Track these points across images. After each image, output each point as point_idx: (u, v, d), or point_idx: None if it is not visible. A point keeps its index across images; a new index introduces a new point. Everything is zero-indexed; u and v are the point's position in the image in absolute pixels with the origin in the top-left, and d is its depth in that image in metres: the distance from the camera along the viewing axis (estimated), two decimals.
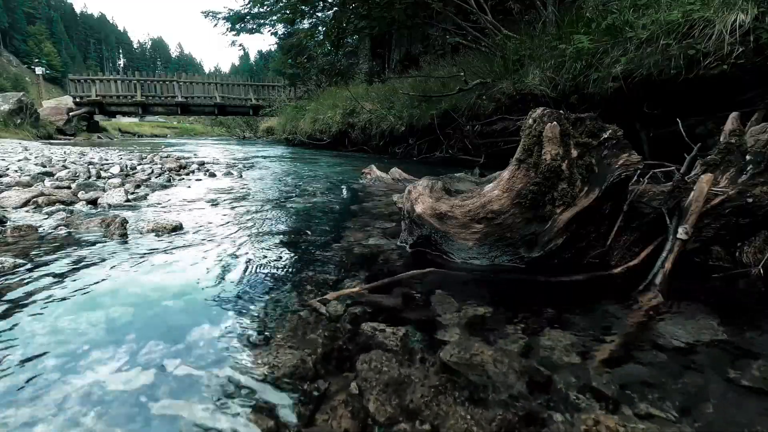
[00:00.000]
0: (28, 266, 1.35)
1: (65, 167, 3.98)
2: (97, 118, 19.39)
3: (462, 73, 5.62)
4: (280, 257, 1.56)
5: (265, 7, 14.68)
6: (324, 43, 15.97)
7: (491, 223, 1.41)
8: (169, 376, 0.80)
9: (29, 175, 3.31)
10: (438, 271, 1.38)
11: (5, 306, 1.07)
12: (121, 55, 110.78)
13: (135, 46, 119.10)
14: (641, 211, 1.42)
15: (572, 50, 4.04)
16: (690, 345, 0.94)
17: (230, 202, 2.70)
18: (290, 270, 1.43)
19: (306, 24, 15.87)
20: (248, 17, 15.74)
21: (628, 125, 2.64)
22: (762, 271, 1.35)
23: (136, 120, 29.53)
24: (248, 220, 2.17)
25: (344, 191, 3.39)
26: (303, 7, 13.12)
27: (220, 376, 0.80)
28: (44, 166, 4.00)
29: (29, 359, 0.84)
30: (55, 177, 3.36)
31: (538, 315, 1.08)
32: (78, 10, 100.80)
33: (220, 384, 0.77)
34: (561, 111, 1.33)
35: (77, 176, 3.40)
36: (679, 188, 1.37)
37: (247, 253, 1.57)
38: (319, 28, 15.69)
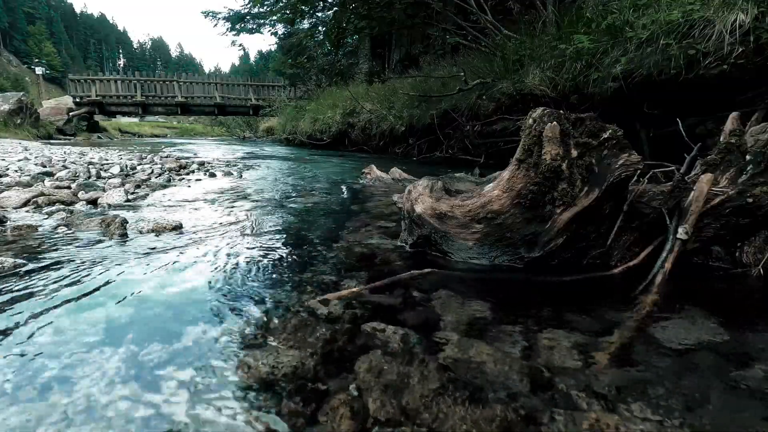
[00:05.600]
0: (28, 266, 1.35)
1: (65, 167, 3.98)
2: (97, 118, 19.38)
3: (462, 73, 5.62)
4: (280, 257, 1.56)
5: (265, 7, 14.70)
6: (324, 43, 16.00)
7: (491, 223, 1.41)
8: (169, 376, 0.80)
9: (29, 175, 3.31)
10: (438, 271, 1.38)
11: (5, 306, 1.07)
12: (121, 55, 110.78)
13: (135, 46, 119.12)
14: (641, 211, 1.42)
15: (572, 50, 4.04)
16: (690, 345, 0.94)
17: (230, 202, 2.70)
18: (290, 270, 1.43)
19: (306, 24, 15.89)
20: (248, 17, 15.77)
21: (628, 125, 2.64)
22: (762, 271, 1.35)
23: (136, 120, 29.51)
24: (248, 220, 2.17)
25: (344, 191, 3.39)
26: (303, 7, 13.13)
27: (221, 376, 0.80)
28: (44, 166, 4.00)
29: (29, 359, 0.84)
30: (55, 177, 3.36)
31: (538, 315, 1.08)
32: (78, 10, 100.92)
33: (221, 384, 0.77)
34: (561, 111, 1.32)
35: (77, 176, 3.40)
36: (679, 188, 1.37)
37: (246, 253, 1.57)
38: (319, 28, 15.72)
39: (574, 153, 1.30)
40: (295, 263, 1.50)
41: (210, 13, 16.20)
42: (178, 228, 1.87)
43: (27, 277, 1.26)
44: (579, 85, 4.02)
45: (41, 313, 1.03)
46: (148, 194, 2.91)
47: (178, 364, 0.83)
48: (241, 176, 4.34)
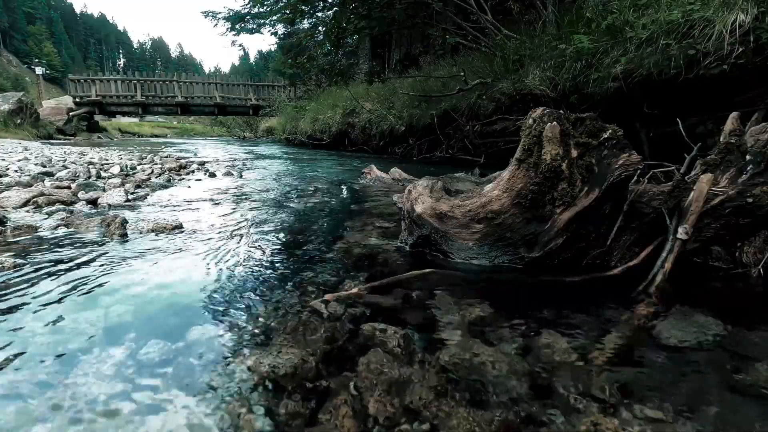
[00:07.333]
0: (28, 266, 1.35)
1: (65, 167, 3.98)
2: (97, 118, 19.35)
3: (462, 73, 5.61)
4: (280, 257, 1.56)
5: (265, 7, 14.68)
6: (324, 43, 15.97)
7: (491, 223, 1.41)
8: (169, 375, 0.80)
9: (29, 175, 3.30)
10: (438, 271, 1.38)
11: (5, 305, 1.07)
12: (121, 55, 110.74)
13: (135, 46, 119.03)
14: (641, 211, 1.42)
15: (572, 50, 4.04)
16: (690, 346, 0.94)
17: (230, 202, 2.70)
18: (290, 270, 1.43)
19: (306, 24, 15.87)
20: (248, 17, 15.74)
21: (628, 125, 2.64)
22: (762, 271, 1.35)
23: (136, 120, 29.46)
24: (248, 220, 2.17)
25: (344, 191, 3.39)
26: (303, 7, 13.11)
27: (222, 376, 0.80)
28: (44, 166, 4.00)
29: (28, 358, 0.84)
30: (55, 177, 3.36)
31: (538, 315, 1.08)
32: (78, 10, 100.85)
33: (222, 384, 0.77)
34: (561, 111, 1.32)
35: (77, 176, 3.40)
36: (679, 188, 1.37)
37: (246, 254, 1.57)
38: (319, 28, 15.69)
39: (574, 153, 1.30)
40: (295, 263, 1.51)
41: (210, 13, 16.17)
42: (178, 228, 1.87)
43: (27, 277, 1.26)
44: (579, 85, 4.02)
45: (41, 313, 1.03)
46: (148, 194, 2.91)
47: (178, 363, 0.83)
48: (241, 176, 4.34)
